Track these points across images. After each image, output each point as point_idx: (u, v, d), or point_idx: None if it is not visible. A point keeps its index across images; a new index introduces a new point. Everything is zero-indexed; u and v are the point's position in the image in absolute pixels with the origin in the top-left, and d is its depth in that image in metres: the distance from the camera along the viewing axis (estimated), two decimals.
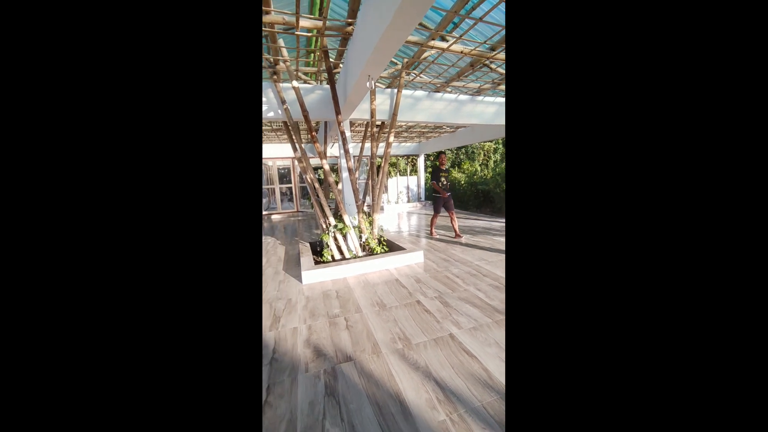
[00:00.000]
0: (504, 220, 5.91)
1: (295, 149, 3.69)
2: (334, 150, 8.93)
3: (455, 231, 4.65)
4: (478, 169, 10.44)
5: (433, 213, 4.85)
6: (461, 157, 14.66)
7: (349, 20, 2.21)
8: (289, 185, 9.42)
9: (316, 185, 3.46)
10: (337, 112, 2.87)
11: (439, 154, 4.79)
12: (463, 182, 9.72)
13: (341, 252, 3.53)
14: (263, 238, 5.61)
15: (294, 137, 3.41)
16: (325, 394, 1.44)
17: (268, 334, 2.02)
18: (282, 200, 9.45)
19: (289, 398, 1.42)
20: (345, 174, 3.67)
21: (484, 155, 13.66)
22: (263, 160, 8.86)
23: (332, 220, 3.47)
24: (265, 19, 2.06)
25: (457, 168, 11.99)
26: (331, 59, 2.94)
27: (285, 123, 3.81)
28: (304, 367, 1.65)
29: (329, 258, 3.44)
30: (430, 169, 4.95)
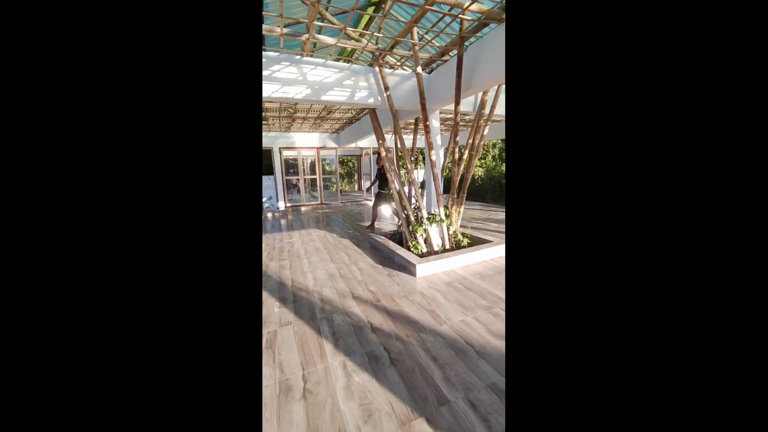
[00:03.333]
0: None
1: (380, 139, 3.55)
2: (365, 142, 8.72)
3: (372, 221, 5.13)
4: (497, 163, 10.71)
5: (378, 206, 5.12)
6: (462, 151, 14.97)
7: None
8: (312, 176, 9.11)
9: (412, 176, 3.38)
10: (457, 102, 2.80)
11: (378, 156, 4.86)
12: (482, 175, 9.94)
13: (430, 245, 3.50)
14: (313, 231, 5.43)
15: (396, 126, 3.28)
16: None
17: (442, 327, 1.98)
18: (296, 191, 9.15)
19: None
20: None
21: (483, 150, 14.05)
22: (290, 150, 8.49)
23: (425, 213, 3.42)
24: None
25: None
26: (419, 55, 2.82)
27: (373, 111, 3.66)
28: None
29: (420, 251, 3.41)
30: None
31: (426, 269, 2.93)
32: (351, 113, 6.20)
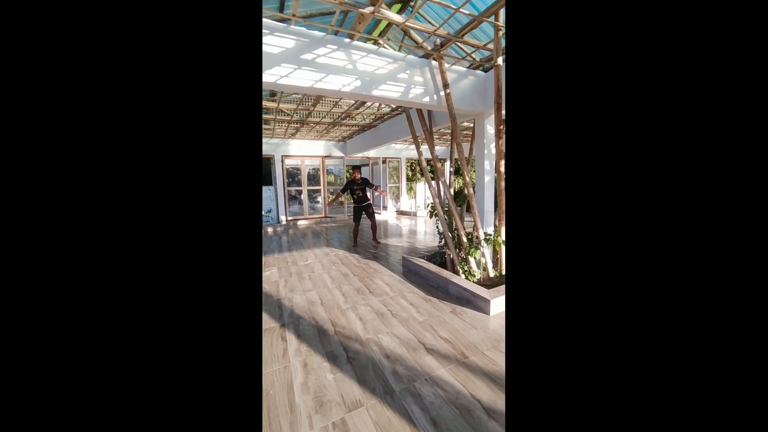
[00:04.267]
0: None
1: (429, 145, 3.00)
2: (374, 152, 8.16)
3: (374, 238, 4.97)
4: None
5: (354, 224, 4.97)
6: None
7: None
8: (316, 187, 8.42)
9: (470, 190, 2.85)
10: None
11: (354, 168, 4.89)
12: None
13: (486, 270, 2.95)
14: (329, 249, 4.74)
15: (456, 131, 2.75)
16: None
17: None
18: (297, 203, 8.43)
19: None
20: (488, 178, 3.11)
21: None
22: (293, 159, 7.82)
23: (482, 233, 2.88)
24: None
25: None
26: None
27: (419, 112, 3.13)
28: None
29: (475, 278, 2.86)
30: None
31: (499, 305, 2.36)
32: (370, 119, 5.68)
